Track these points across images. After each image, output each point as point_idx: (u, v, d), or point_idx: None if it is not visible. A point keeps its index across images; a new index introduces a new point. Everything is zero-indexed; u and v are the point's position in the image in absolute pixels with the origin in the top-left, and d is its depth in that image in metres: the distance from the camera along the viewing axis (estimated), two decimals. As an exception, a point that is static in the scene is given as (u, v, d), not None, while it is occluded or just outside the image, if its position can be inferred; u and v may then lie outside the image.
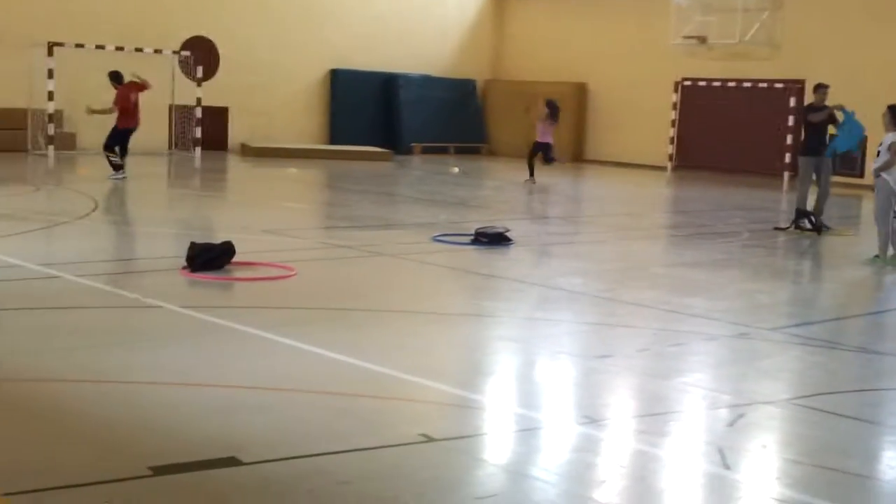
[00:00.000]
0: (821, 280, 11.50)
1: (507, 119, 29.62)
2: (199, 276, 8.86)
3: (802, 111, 15.19)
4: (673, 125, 26.63)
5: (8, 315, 7.28)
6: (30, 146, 21.79)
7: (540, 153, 20.63)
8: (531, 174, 20.36)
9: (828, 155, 14.49)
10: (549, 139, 20.80)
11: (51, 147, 21.38)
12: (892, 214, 11.40)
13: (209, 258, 9.07)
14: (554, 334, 7.72)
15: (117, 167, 17.24)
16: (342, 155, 24.93)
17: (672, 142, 26.67)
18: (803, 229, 14.02)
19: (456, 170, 22.34)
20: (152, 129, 23.88)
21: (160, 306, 7.69)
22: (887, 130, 11.45)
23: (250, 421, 5.20)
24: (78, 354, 6.31)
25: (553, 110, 20.97)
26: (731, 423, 5.62)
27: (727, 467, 4.93)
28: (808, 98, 24.38)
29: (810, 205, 14.32)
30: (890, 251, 11.39)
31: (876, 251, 11.49)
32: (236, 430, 5.04)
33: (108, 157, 17.39)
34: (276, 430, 5.09)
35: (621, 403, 6.11)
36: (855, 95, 20.75)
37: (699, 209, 17.50)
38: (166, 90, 23.80)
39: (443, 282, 9.95)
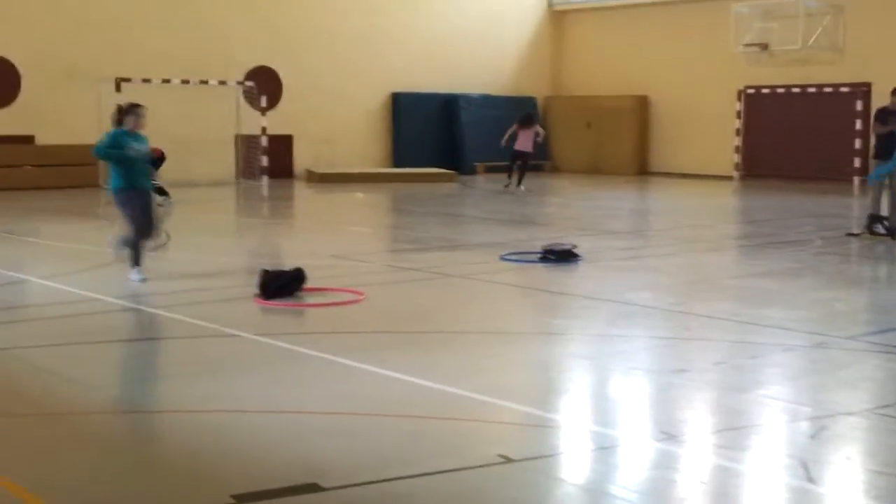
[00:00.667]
0: (897, 286, 11.29)
1: (568, 135, 29.59)
2: (272, 303, 8.98)
3: (875, 115, 14.89)
4: (738, 134, 26.36)
5: (89, 348, 7.45)
6: (101, 181, 22.27)
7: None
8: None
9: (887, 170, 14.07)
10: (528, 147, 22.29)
11: (122, 181, 21.79)
12: None
13: (281, 285, 9.19)
14: (627, 350, 7.69)
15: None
16: (406, 177, 25.08)
17: (737, 151, 26.40)
18: (877, 234, 13.77)
19: (522, 188, 22.22)
20: (219, 159, 24.36)
21: (237, 335, 7.81)
22: None
23: (330, 446, 5.25)
24: (158, 385, 6.44)
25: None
26: (814, 436, 5.54)
27: (811, 481, 4.86)
28: (876, 101, 24.05)
29: (884, 209, 14.06)
30: None
31: None
32: (316, 455, 5.10)
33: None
34: (355, 454, 5.14)
35: (699, 418, 6.05)
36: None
37: (768, 218, 17.28)
38: (231, 120, 24.22)
39: (512, 301, 9.96)
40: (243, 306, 9.02)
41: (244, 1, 24.99)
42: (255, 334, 7.80)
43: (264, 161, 23.94)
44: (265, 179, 23.75)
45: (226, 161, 24.54)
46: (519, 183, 21.86)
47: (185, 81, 23.08)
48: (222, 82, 23.75)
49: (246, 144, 24.46)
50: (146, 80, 22.32)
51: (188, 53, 23.89)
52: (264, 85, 24.47)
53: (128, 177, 10.03)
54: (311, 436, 5.44)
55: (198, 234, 14.79)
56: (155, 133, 23.96)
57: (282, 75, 25.39)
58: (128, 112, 10.21)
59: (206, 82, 23.40)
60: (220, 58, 24.32)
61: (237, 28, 24.78)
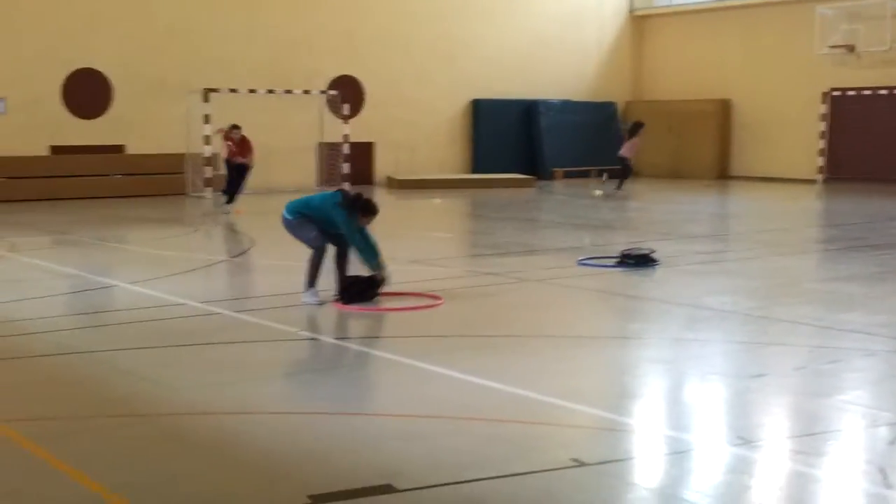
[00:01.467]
0: None
1: (649, 140, 29.34)
2: (351, 307, 9.11)
3: None
4: (822, 137, 25.90)
5: (174, 351, 7.66)
6: (188, 189, 22.78)
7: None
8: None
9: None
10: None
11: (208, 189, 22.30)
12: None
13: (361, 289, 9.33)
14: (704, 355, 7.64)
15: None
16: (485, 183, 25.16)
17: (822, 154, 25.93)
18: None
19: (599, 192, 22.27)
20: (302, 166, 24.73)
21: (316, 338, 7.95)
22: None
23: (404, 448, 5.34)
24: (239, 387, 6.59)
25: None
26: (893, 442, 5.46)
27: (889, 486, 4.80)
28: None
29: None
30: None
31: None
32: (391, 457, 5.19)
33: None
34: (429, 456, 5.21)
35: (777, 423, 6.00)
36: None
37: (853, 222, 16.94)
38: (315, 128, 24.58)
39: (590, 305, 9.95)
40: (323, 310, 9.17)
41: (326, 12, 25.35)
42: (334, 338, 7.94)
43: (346, 168, 24.24)
44: (347, 186, 24.02)
45: (308, 168, 24.91)
46: (619, 187, 22.81)
47: (271, 91, 23.50)
48: (306, 91, 24.12)
49: (328, 152, 24.81)
50: (233, 91, 22.78)
51: (273, 64, 24.32)
52: (347, 93, 24.79)
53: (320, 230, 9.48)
54: (385, 438, 5.53)
55: (279, 240, 15.00)
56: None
57: (363, 84, 25.69)
58: (366, 212, 9.51)
59: (290, 92, 23.79)
60: (304, 68, 24.71)
61: (320, 38, 25.14)
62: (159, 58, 23.12)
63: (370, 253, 9.34)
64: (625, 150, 23.15)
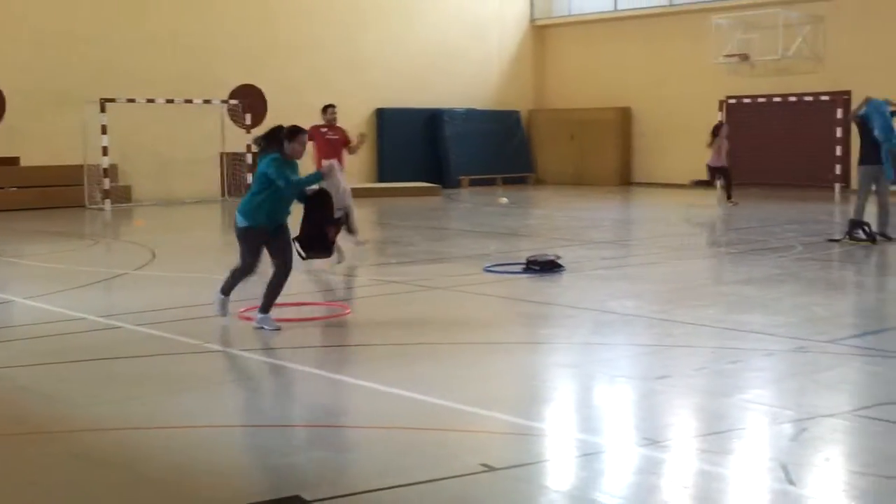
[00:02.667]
0: (877, 290, 11.35)
1: (552, 148, 29.74)
2: (252, 318, 9.00)
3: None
4: (719, 143, 26.49)
5: (75, 366, 7.46)
6: (87, 201, 22.27)
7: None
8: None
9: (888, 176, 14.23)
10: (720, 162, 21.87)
11: (107, 201, 21.84)
12: None
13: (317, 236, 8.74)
14: (611, 358, 7.74)
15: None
16: (391, 192, 25.14)
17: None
18: (858, 240, 13.88)
19: (504, 200, 22.44)
20: (204, 177, 24.39)
21: (222, 351, 7.83)
22: None
23: (314, 459, 5.29)
24: (144, 402, 6.45)
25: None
26: (794, 438, 5.60)
27: (792, 483, 4.91)
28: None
29: (872, 216, 14.17)
30: None
31: None
32: (300, 468, 5.13)
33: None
34: (338, 467, 5.17)
35: (682, 423, 6.10)
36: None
37: (751, 226, 17.38)
38: (217, 138, 24.27)
39: (497, 312, 10.00)
40: (229, 323, 9.03)
41: (227, 20, 25.05)
42: (240, 350, 7.83)
43: (249, 179, 23.95)
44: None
45: (211, 179, 24.58)
46: (728, 197, 21.49)
47: (170, 101, 23.12)
48: (207, 101, 23.80)
49: (231, 162, 24.50)
50: (130, 101, 22.35)
51: (172, 73, 23.91)
52: (249, 103, 24.52)
53: (274, 213, 8.54)
54: (295, 449, 5.47)
55: (180, 252, 14.79)
56: (140, 152, 24.11)
57: (267, 93, 25.43)
58: (292, 136, 8.65)
59: (190, 101, 23.43)
60: (204, 77, 24.35)
61: (220, 47, 24.82)
62: (54, 68, 22.54)
63: (313, 178, 8.76)
64: (713, 160, 21.79)
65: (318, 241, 8.81)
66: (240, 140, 23.93)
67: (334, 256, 11.01)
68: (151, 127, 23.41)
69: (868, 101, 14.57)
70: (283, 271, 8.50)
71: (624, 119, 28.83)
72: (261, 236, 8.54)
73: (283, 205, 8.56)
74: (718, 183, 22.31)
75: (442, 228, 18.35)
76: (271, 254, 8.61)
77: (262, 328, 8.44)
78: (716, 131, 21.99)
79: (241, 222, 8.58)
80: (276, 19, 25.80)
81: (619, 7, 28.99)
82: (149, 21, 23.85)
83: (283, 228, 8.60)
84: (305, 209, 8.83)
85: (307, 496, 4.70)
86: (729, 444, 5.55)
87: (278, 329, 8.40)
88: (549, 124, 29.80)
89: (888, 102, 14.65)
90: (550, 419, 6.24)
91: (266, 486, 4.89)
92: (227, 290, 8.82)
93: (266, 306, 8.51)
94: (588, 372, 7.33)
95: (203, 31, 24.61)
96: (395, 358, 7.60)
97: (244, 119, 24.01)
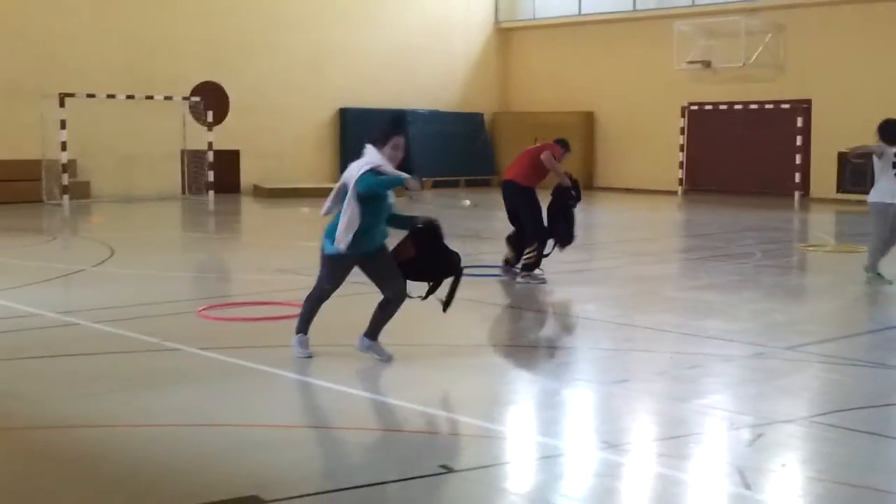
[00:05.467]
0: (835, 297, 11.47)
1: (516, 150, 29.70)
2: (216, 317, 8.93)
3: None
4: (681, 150, 26.72)
5: (31, 363, 7.36)
6: (45, 196, 22.01)
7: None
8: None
9: None
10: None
11: (65, 196, 21.60)
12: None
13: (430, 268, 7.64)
14: (571, 362, 7.76)
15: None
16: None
17: (681, 166, 26.74)
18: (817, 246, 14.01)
19: (468, 202, 22.43)
20: (165, 174, 24.19)
21: (179, 349, 7.76)
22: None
23: (272, 459, 5.25)
24: (101, 399, 6.37)
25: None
26: (751, 444, 5.64)
27: (748, 488, 4.94)
28: (815, 118, 24.53)
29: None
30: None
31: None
32: (259, 468, 5.09)
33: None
34: (296, 467, 5.13)
35: (641, 428, 6.13)
36: (860, 112, 20.85)
37: (711, 232, 17.52)
38: (178, 136, 24.08)
39: (458, 313, 9.95)
40: (187, 321, 8.97)
41: (191, 16, 24.87)
42: (198, 348, 7.76)
43: (210, 176, 23.82)
44: (211, 195, 23.63)
45: (172, 176, 24.39)
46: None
47: (130, 97, 22.91)
48: (168, 97, 23.61)
49: (192, 160, 24.33)
50: (90, 96, 22.12)
51: (132, 68, 23.71)
52: (211, 100, 24.35)
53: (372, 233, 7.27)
54: (252, 449, 5.42)
55: (141, 249, 14.65)
56: (99, 148, 23.86)
57: (229, 91, 25.27)
58: (390, 137, 7.30)
59: (151, 97, 23.24)
60: (167, 73, 24.16)
61: (182, 43, 24.64)
62: (10, 61, 22.25)
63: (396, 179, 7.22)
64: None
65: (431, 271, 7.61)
66: (201, 137, 23.77)
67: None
68: (111, 122, 23.19)
69: None
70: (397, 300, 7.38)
71: (587, 123, 28.95)
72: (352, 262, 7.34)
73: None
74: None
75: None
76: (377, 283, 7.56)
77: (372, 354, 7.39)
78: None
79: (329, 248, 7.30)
80: (240, 16, 25.65)
81: (584, 11, 29.11)
82: (110, 15, 23.62)
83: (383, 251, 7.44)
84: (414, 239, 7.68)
85: (265, 496, 4.66)
86: (686, 449, 5.58)
87: (390, 358, 7.38)
88: (512, 127, 29.84)
89: None
90: (510, 422, 6.24)
91: (224, 485, 4.84)
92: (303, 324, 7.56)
93: (375, 331, 7.44)
94: (548, 375, 7.34)
95: (165, 26, 24.41)
96: (354, 358, 7.55)
97: (206, 116, 23.86)
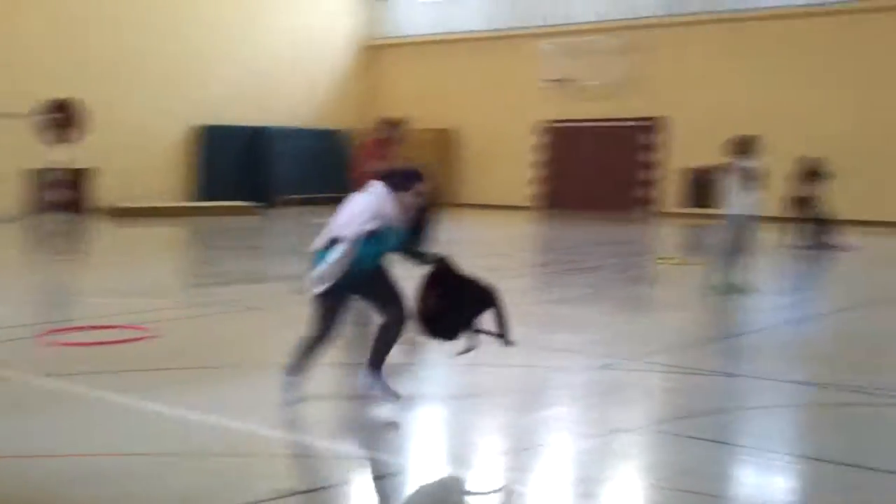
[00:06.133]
0: (681, 309, 11.73)
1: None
2: (61, 343, 8.55)
3: None
4: (538, 167, 27.14)
5: None
6: None
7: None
8: None
9: None
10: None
11: None
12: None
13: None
14: (421, 377, 7.70)
15: None
16: (210, 211, 24.61)
17: (538, 182, 27.15)
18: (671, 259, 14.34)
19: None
20: (10, 193, 23.24)
21: (9, 378, 7.38)
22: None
23: (96, 490, 4.99)
24: (-81, 431, 5.99)
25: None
26: (594, 453, 5.67)
27: (591, 497, 4.95)
28: (670, 134, 25.28)
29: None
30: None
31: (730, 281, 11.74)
32: (99, 498, 4.85)
33: None
34: (123, 496, 4.90)
35: (486, 442, 6.10)
36: (713, 132, 21.55)
37: (566, 246, 17.78)
38: (27, 153, 23.18)
39: (296, 329, 9.80)
40: (26, 346, 8.55)
41: (46, 29, 24.02)
42: (35, 375, 7.40)
43: (61, 195, 22.99)
44: (61, 214, 22.81)
45: (14, 196, 23.45)
46: None
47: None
48: (16, 114, 22.69)
49: (41, 178, 23.44)
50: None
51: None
52: (63, 118, 23.50)
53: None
54: (76, 479, 5.15)
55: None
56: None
57: (82, 108, 24.43)
58: (414, 182, 6.75)
59: (-3, 114, 22.33)
60: (18, 88, 23.23)
61: (30, 57, 23.76)
62: None
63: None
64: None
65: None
66: (52, 155, 22.92)
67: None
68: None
69: None
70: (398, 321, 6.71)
71: (450, 140, 29.14)
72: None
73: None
74: None
75: (260, 248, 18.04)
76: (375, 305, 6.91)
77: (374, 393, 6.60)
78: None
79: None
80: (91, 29, 24.89)
81: (449, 29, 29.32)
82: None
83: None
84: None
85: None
86: (531, 462, 5.57)
87: (398, 398, 6.64)
88: (373, 144, 29.77)
89: None
90: (354, 441, 6.12)
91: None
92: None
93: (377, 361, 6.67)
94: (395, 391, 7.24)
95: (19, 40, 23.52)
96: (196, 382, 7.32)
97: (58, 133, 23.03)
